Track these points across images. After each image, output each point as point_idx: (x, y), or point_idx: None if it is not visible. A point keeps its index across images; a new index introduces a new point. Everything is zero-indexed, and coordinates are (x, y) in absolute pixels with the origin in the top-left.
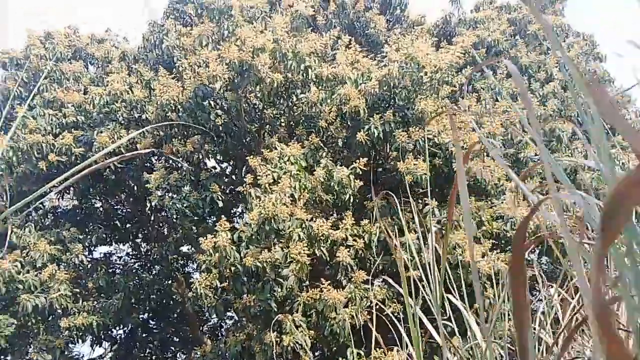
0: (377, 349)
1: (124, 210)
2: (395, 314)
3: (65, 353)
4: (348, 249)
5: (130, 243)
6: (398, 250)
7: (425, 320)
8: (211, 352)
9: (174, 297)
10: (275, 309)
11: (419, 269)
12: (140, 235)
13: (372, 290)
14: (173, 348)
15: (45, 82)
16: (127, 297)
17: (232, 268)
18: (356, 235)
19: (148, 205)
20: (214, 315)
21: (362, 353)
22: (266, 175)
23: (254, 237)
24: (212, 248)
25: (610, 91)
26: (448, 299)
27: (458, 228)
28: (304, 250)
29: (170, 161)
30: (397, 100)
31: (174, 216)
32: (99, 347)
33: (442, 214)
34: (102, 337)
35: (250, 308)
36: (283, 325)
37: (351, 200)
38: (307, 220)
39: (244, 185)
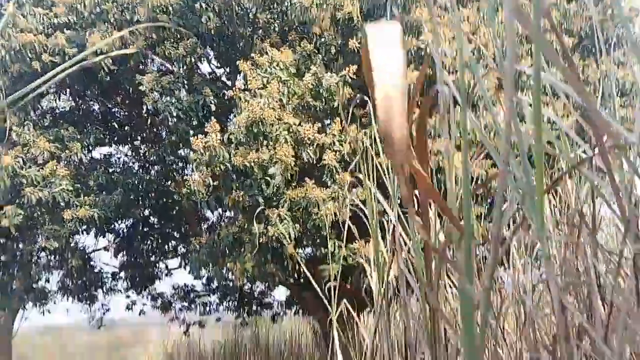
0: (356, 241)
1: (121, 113)
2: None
3: (71, 243)
4: (334, 153)
5: (128, 145)
6: (373, 154)
7: (385, 205)
8: (206, 243)
9: (174, 196)
10: (263, 204)
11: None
12: (138, 137)
13: (345, 188)
14: (174, 242)
15: None
16: (127, 193)
17: (222, 167)
18: (343, 140)
19: (144, 108)
20: (208, 211)
21: (342, 244)
22: (255, 80)
23: (242, 139)
24: (202, 148)
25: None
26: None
27: (439, 136)
28: (289, 152)
29: (163, 64)
30: (392, 8)
31: (169, 120)
32: (103, 238)
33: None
34: (105, 229)
35: (240, 203)
36: (269, 218)
37: (339, 107)
38: (294, 124)
39: (233, 89)
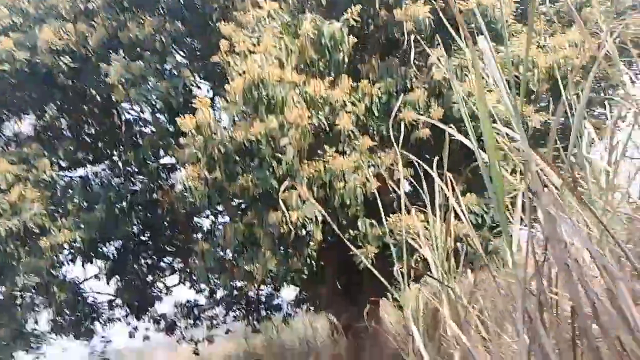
0: (391, 215)
1: (92, 128)
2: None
3: (57, 276)
4: (349, 115)
5: (105, 162)
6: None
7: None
8: (208, 250)
9: (163, 206)
10: (277, 188)
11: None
12: (114, 152)
13: (378, 156)
14: (170, 257)
15: None
16: (110, 208)
17: (222, 148)
18: (355, 99)
19: (116, 115)
20: (202, 219)
21: (374, 222)
22: (243, 42)
23: (239, 110)
24: (195, 129)
25: None
26: None
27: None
28: (303, 114)
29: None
30: None
31: (147, 110)
32: (92, 265)
33: (448, 64)
34: (92, 255)
35: (249, 190)
36: (288, 203)
37: (345, 61)
38: (300, 83)
39: (218, 54)
